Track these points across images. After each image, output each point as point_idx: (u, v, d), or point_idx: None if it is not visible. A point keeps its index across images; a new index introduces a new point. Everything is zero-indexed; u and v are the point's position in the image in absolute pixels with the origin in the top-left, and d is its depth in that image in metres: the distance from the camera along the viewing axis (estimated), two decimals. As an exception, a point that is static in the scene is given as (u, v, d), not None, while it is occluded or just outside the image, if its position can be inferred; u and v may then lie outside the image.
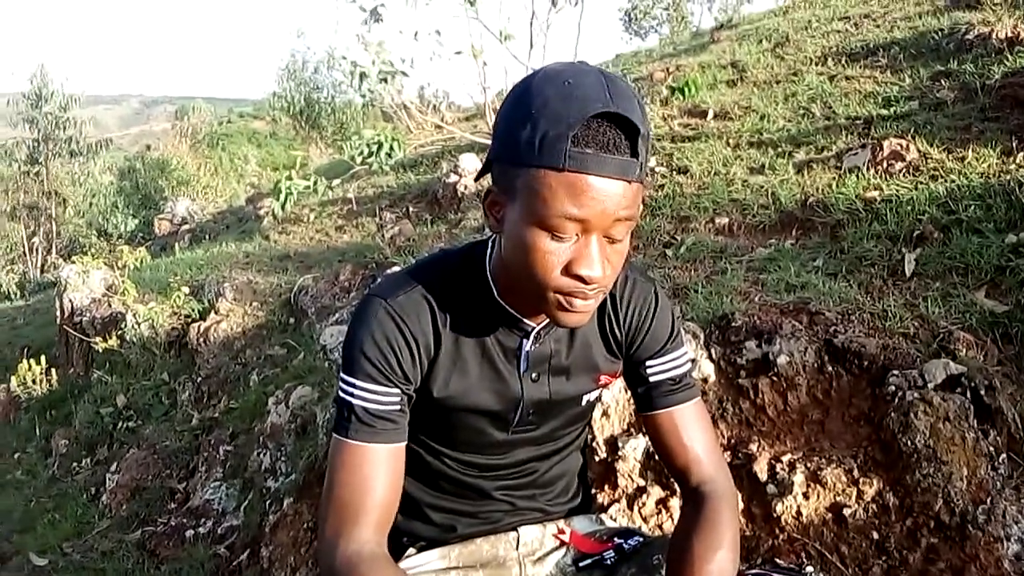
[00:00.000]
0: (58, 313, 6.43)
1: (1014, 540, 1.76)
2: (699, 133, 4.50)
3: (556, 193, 0.94)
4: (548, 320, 1.15)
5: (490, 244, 1.15)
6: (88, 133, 16.94)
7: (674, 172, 4.05)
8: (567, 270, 0.99)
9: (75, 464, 4.87)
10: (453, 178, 5.43)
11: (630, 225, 1.00)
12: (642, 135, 0.94)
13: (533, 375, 1.19)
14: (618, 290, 1.21)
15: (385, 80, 5.69)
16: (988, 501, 1.81)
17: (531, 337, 1.17)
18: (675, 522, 1.26)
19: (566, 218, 0.95)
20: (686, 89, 5.16)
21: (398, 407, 1.12)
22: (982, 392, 1.94)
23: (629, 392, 1.30)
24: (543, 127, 0.93)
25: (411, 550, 1.31)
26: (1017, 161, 2.94)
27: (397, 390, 1.12)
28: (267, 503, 3.19)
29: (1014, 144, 3.06)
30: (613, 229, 0.98)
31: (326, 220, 6.40)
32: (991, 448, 1.89)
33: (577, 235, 0.98)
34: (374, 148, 5.44)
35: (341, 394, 1.13)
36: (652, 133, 4.66)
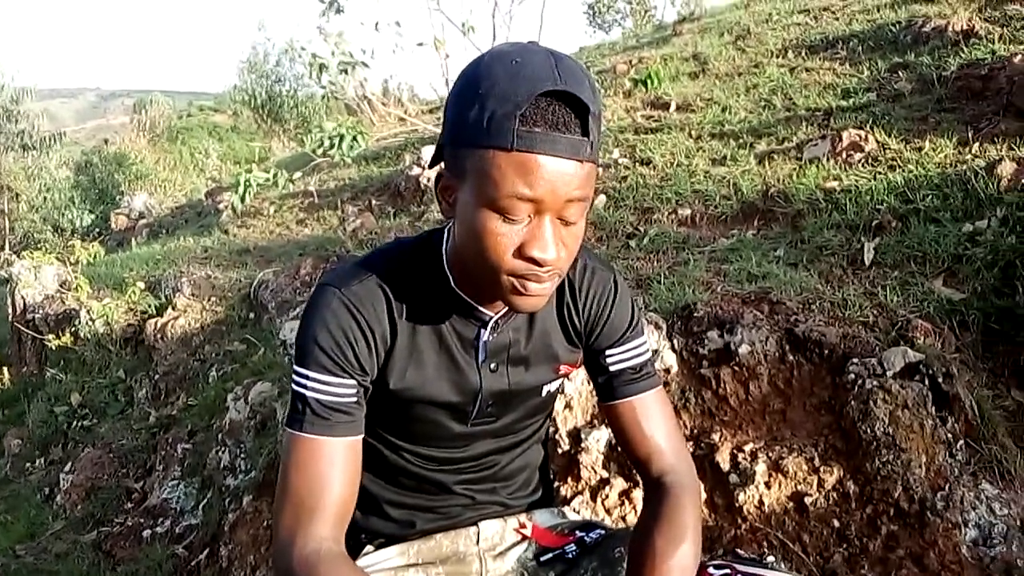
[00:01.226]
0: (10, 310, 6.26)
1: (971, 526, 1.78)
2: (662, 125, 4.51)
3: (506, 174, 0.92)
4: (506, 309, 1.13)
5: (446, 232, 1.13)
6: (42, 127, 16.51)
7: (637, 164, 4.05)
8: (520, 252, 0.97)
9: (28, 464, 4.74)
10: (416, 171, 5.38)
11: (583, 207, 0.98)
12: (592, 113, 0.92)
13: (491, 365, 1.17)
14: (577, 278, 1.19)
15: (345, 71, 5.63)
16: (946, 488, 1.82)
17: (489, 327, 1.14)
18: (638, 514, 1.24)
19: (517, 199, 0.93)
20: (649, 81, 5.17)
21: (354, 399, 1.09)
22: (940, 379, 1.96)
23: (591, 382, 1.28)
24: (491, 107, 0.91)
25: (369, 547, 1.28)
26: (973, 151, 2.98)
27: (353, 381, 1.09)
28: (226, 501, 3.13)
29: (970, 134, 3.10)
30: (566, 211, 0.96)
31: (287, 213, 6.31)
32: (949, 435, 1.91)
33: (529, 216, 0.96)
34: (335, 140, 5.38)
35: (295, 386, 1.09)
36: (617, 125, 4.67)
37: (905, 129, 3.37)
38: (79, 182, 15.44)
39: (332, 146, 5.36)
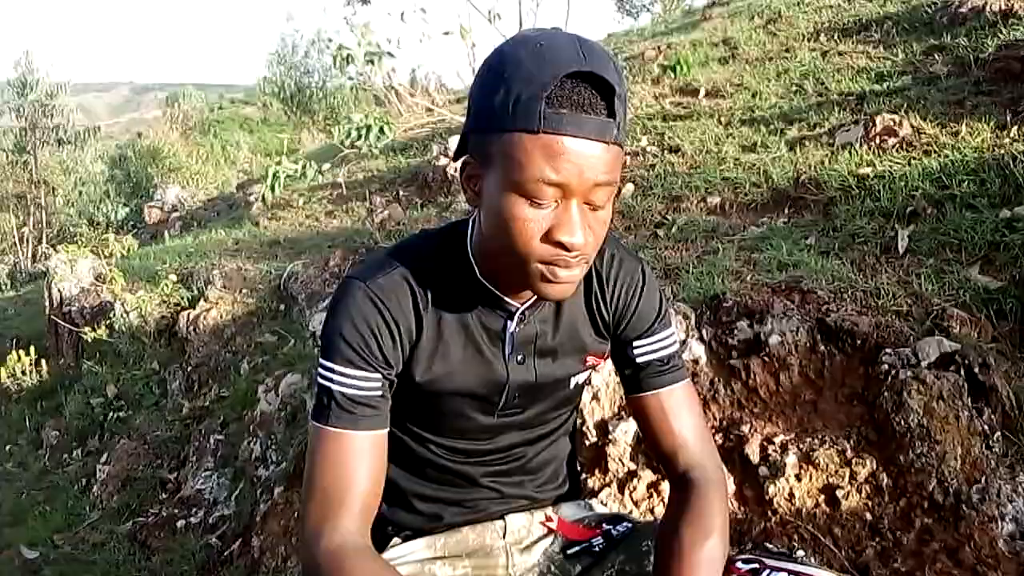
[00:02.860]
0: (47, 303, 6.37)
1: (1008, 520, 1.74)
2: (691, 111, 4.46)
3: (532, 156, 0.91)
4: (532, 300, 1.12)
5: (471, 223, 1.12)
6: (77, 121, 16.76)
7: (666, 151, 4.01)
8: (547, 237, 0.96)
9: (66, 455, 4.84)
10: (443, 161, 5.38)
11: (611, 191, 0.97)
12: (618, 95, 0.91)
13: (518, 357, 1.16)
14: (604, 268, 1.18)
15: (372, 62, 5.63)
16: (982, 480, 1.78)
17: (515, 318, 1.13)
18: (665, 507, 1.23)
19: (544, 182, 0.92)
20: (678, 67, 5.11)
21: (379, 392, 1.09)
22: (976, 370, 1.91)
23: (617, 373, 1.27)
24: (516, 89, 0.91)
25: (396, 539, 1.28)
26: (1011, 135, 2.91)
27: (378, 375, 1.09)
28: (258, 492, 3.17)
29: (1008, 118, 3.02)
30: (593, 194, 0.95)
31: (316, 205, 6.34)
32: (985, 427, 1.86)
33: (557, 201, 0.95)
34: (363, 131, 5.39)
35: (320, 380, 1.09)
36: (645, 112, 4.62)
37: (941, 113, 3.29)
38: (113, 176, 15.67)
39: (360, 137, 5.37)
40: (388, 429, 1.11)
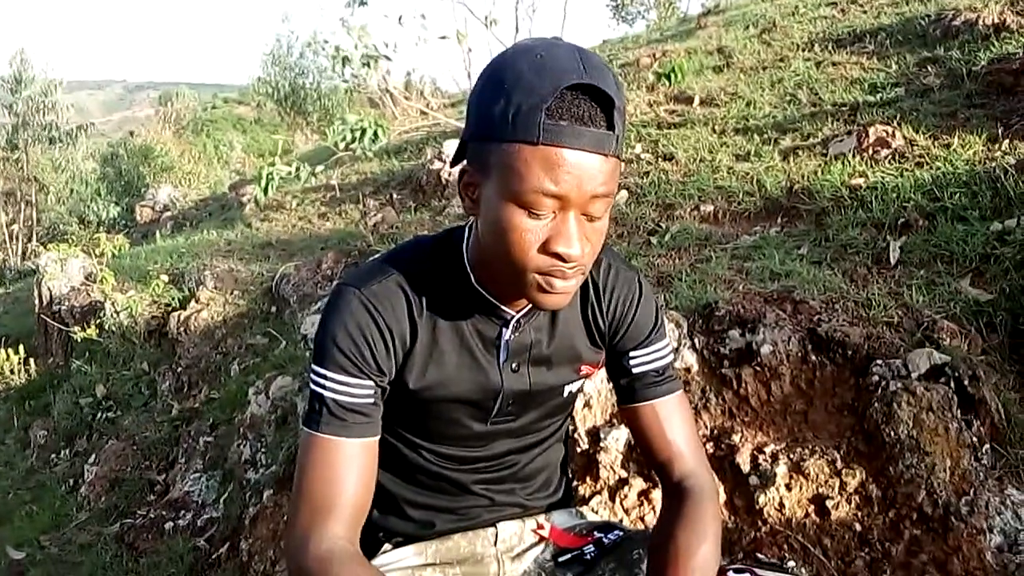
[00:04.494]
0: (36, 302, 6.33)
1: (996, 532, 1.75)
2: (685, 119, 4.47)
3: (531, 168, 0.92)
4: (528, 308, 1.12)
5: (467, 230, 1.12)
6: (70, 118, 16.68)
7: (659, 159, 4.02)
8: (544, 248, 0.97)
9: (53, 455, 4.80)
10: (437, 164, 5.38)
11: (608, 202, 0.97)
12: (617, 108, 0.92)
13: (513, 365, 1.16)
14: (600, 278, 1.19)
15: (368, 64, 5.63)
16: (971, 492, 1.79)
17: (511, 326, 1.13)
18: (657, 515, 1.23)
19: (542, 194, 0.93)
20: (672, 75, 5.11)
21: (371, 400, 1.09)
22: (966, 382, 1.92)
23: (611, 383, 1.27)
24: (516, 100, 0.91)
25: (387, 546, 1.28)
26: (1003, 148, 2.93)
27: (370, 382, 1.09)
28: (247, 495, 3.14)
29: (1000, 131, 3.04)
30: (591, 206, 0.95)
31: (309, 207, 6.33)
32: (974, 439, 1.87)
33: (554, 212, 0.95)
34: (357, 134, 5.38)
35: (312, 386, 1.09)
36: (639, 120, 4.63)
37: (933, 125, 3.31)
38: (105, 174, 15.60)
39: (354, 140, 5.36)
40: (379, 436, 1.11)
